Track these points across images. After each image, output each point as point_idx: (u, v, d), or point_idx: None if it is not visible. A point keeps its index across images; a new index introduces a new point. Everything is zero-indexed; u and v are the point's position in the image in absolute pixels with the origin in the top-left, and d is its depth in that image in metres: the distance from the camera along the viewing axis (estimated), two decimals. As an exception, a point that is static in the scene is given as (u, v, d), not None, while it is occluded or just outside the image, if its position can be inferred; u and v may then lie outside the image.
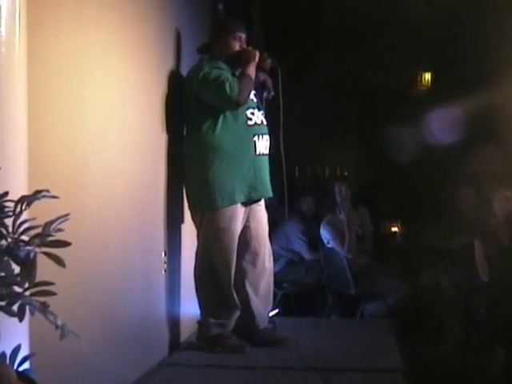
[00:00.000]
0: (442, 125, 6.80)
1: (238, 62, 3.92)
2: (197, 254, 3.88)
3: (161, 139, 3.73)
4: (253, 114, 3.87)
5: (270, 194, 3.97)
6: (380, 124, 7.34)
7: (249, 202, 3.87)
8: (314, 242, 5.88)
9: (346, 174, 7.80)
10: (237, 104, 3.74)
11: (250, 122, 3.84)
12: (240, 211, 3.82)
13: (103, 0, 2.83)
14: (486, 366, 4.14)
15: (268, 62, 3.95)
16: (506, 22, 5.69)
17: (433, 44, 7.00)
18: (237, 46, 3.95)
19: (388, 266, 5.65)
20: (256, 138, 3.83)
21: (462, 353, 4.58)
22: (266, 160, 3.92)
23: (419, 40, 6.89)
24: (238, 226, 3.83)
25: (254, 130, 3.85)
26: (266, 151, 3.92)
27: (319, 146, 7.44)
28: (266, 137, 3.91)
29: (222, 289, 3.83)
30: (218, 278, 3.82)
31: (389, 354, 3.79)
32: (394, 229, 6.92)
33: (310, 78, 7.28)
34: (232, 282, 3.84)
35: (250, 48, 3.97)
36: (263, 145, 3.87)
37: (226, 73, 3.80)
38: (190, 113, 3.87)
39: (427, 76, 7.91)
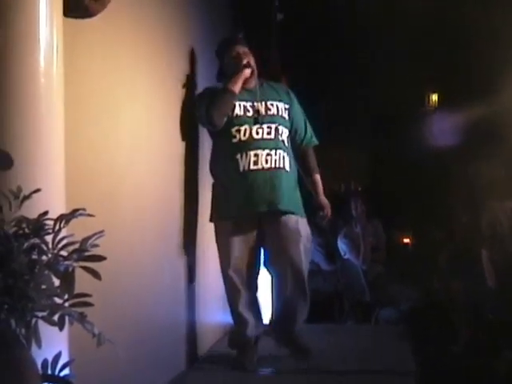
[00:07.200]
0: (451, 141, 7.10)
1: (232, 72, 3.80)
2: None
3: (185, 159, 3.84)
4: (238, 131, 3.71)
5: (281, 208, 3.70)
6: (391, 141, 7.66)
7: (261, 218, 3.74)
8: (331, 254, 6.15)
9: (359, 188, 8.07)
10: (209, 123, 3.73)
11: (234, 140, 3.71)
12: (237, 227, 3.72)
13: (137, 26, 2.98)
14: (497, 372, 4.20)
15: None
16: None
17: (440, 66, 7.32)
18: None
19: (401, 274, 5.93)
20: (239, 156, 3.68)
21: (473, 358, 4.62)
22: (266, 174, 3.69)
23: (428, 63, 7.20)
24: (238, 242, 3.73)
25: (239, 147, 3.70)
26: (266, 165, 3.68)
27: (334, 162, 7.67)
28: (260, 151, 3.68)
29: (229, 302, 3.85)
30: (226, 290, 3.84)
31: (402, 358, 3.89)
32: (406, 240, 7.29)
33: (324, 98, 7.55)
34: (236, 295, 3.78)
35: (246, 62, 3.77)
36: (250, 160, 3.67)
37: (211, 92, 3.75)
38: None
39: (434, 97, 8.63)
